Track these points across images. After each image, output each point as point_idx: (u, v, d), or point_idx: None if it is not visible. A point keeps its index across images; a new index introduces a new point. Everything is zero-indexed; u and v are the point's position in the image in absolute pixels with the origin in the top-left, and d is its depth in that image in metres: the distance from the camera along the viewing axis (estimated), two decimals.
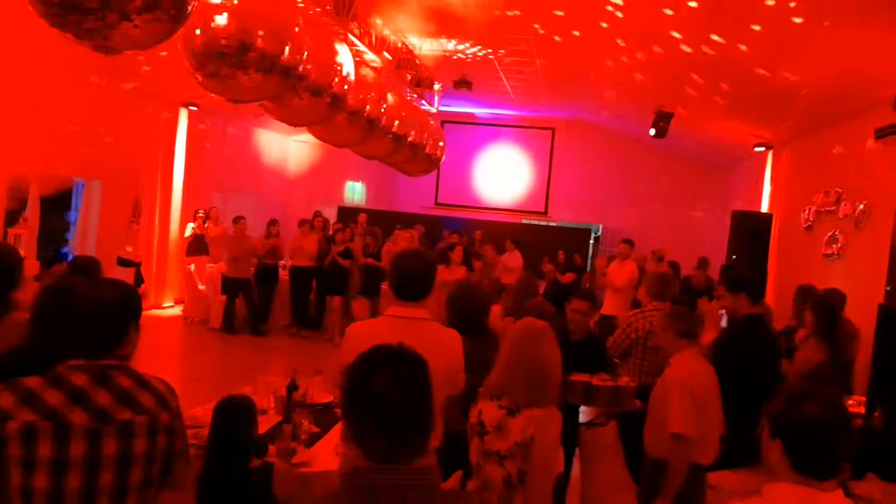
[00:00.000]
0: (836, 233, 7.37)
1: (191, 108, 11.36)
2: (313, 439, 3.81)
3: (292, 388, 4.24)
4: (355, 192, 16.63)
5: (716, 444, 3.60)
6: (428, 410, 1.57)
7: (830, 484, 1.80)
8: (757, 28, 5.81)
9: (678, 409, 3.44)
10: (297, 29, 4.53)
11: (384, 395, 1.52)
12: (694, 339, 3.74)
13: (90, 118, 9.29)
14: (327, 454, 3.64)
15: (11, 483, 1.88)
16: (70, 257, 9.46)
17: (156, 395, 2.08)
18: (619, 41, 7.54)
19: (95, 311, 2.06)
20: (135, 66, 8.05)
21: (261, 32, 4.20)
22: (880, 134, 5.34)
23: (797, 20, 5.33)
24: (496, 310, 5.01)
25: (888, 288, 4.84)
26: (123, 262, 9.85)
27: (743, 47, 6.38)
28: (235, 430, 3.20)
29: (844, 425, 1.82)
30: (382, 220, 12.31)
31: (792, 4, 5.09)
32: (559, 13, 7.31)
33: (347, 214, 13.74)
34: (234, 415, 3.22)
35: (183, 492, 2.15)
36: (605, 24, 7.04)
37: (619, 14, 6.55)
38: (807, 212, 8.26)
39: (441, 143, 10.09)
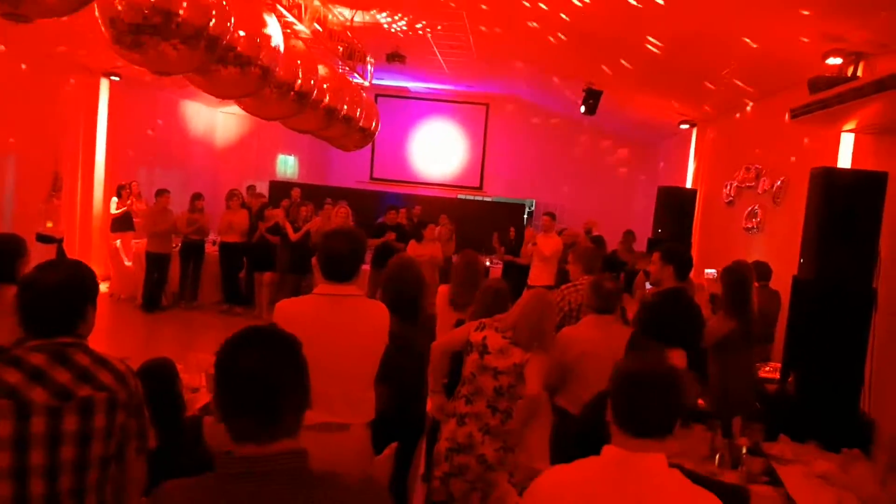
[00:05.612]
0: (756, 207, 7.66)
1: (112, 78, 10.91)
2: None
3: None
4: (287, 165, 16.31)
5: None
6: (297, 388, 1.54)
7: (653, 445, 1.76)
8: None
9: None
10: None
11: (248, 371, 1.50)
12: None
13: (1, 89, 8.83)
14: None
15: None
16: None
17: (115, 373, 2.12)
18: (531, 24, 7.59)
19: (53, 292, 2.09)
20: (51, 32, 7.66)
21: (184, 2, 4.07)
22: (795, 113, 5.55)
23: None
24: (443, 291, 4.78)
25: (801, 260, 5.07)
26: (43, 239, 9.43)
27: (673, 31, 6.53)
28: (165, 387, 3.16)
29: (660, 382, 1.80)
30: (316, 195, 12.11)
31: None
32: None
33: (279, 189, 13.48)
34: (159, 373, 3.17)
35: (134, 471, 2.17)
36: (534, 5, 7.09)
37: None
38: (728, 187, 8.55)
39: (374, 117, 9.99)
